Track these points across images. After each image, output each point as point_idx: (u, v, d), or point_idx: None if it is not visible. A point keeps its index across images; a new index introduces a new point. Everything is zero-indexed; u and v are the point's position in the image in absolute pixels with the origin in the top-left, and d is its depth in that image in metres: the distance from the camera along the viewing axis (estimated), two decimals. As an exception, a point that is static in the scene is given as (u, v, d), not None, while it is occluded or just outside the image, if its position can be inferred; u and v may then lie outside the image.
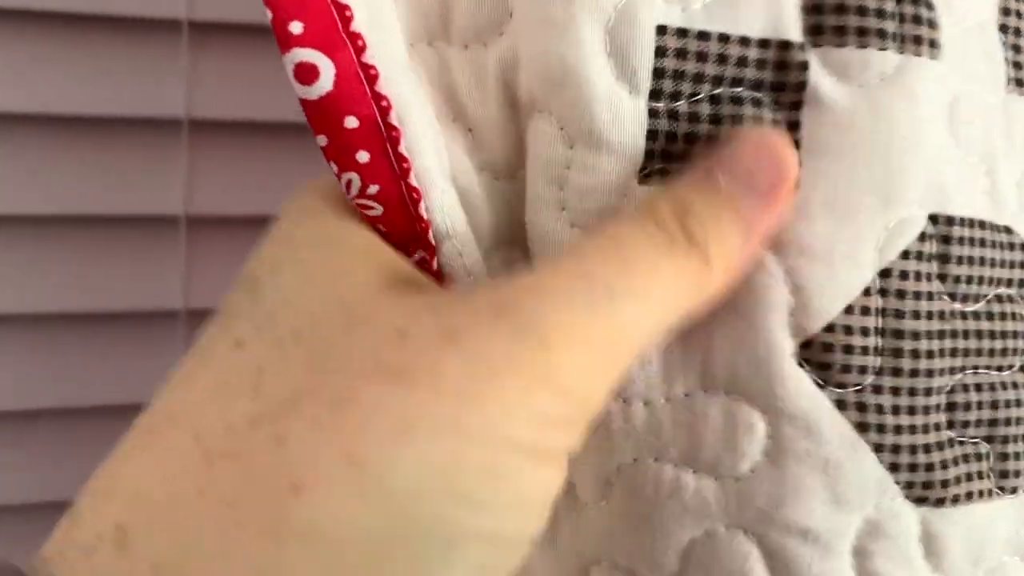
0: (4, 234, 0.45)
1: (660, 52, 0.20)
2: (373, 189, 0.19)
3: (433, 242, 0.20)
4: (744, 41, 0.21)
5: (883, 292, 0.22)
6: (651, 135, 0.20)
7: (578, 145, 0.20)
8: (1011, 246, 0.24)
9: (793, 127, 0.21)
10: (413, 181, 0.20)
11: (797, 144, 0.21)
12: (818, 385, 0.21)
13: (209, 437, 0.16)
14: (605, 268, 0.18)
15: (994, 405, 0.24)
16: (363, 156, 0.19)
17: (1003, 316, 0.24)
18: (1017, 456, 0.24)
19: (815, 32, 0.21)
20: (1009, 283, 0.24)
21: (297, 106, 0.19)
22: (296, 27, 0.18)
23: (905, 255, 0.22)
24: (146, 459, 0.16)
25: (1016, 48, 0.25)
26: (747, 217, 0.20)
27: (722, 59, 0.21)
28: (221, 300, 0.19)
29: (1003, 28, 0.25)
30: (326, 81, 0.18)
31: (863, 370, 0.22)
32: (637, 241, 0.19)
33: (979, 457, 0.24)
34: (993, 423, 0.24)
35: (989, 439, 0.24)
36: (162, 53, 0.46)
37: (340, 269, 0.18)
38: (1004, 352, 0.24)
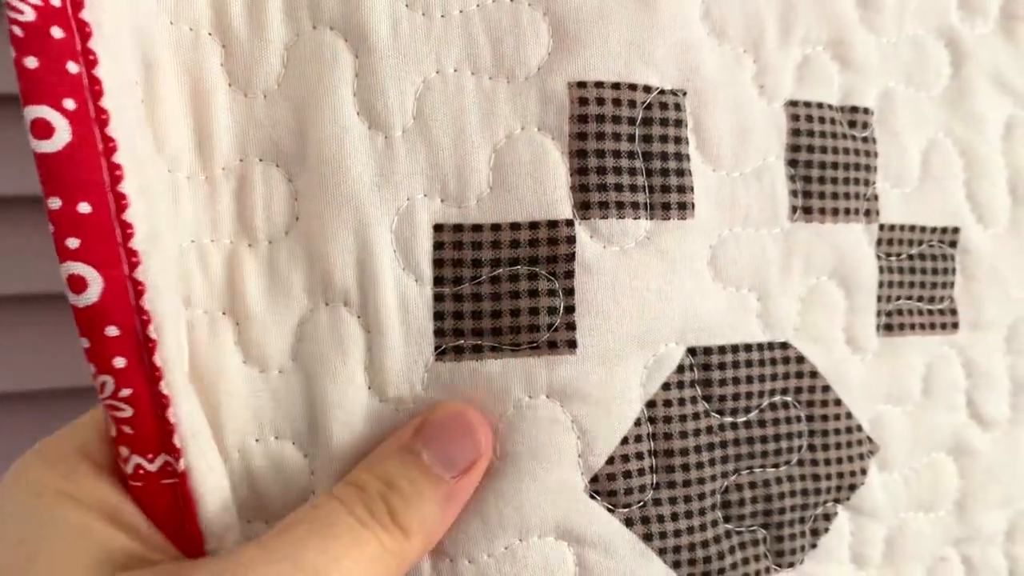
0: None
1: (438, 246, 0.26)
2: (125, 392, 0.22)
3: (179, 445, 0.23)
4: (515, 226, 0.26)
5: (651, 420, 0.28)
6: (438, 315, 0.26)
7: (373, 329, 0.26)
8: (785, 360, 0.30)
9: (569, 293, 0.27)
10: (164, 389, 0.23)
11: (572, 308, 0.27)
12: (609, 511, 0.27)
13: None
14: (312, 551, 0.21)
15: (768, 498, 0.30)
16: (120, 362, 0.22)
17: (776, 421, 0.30)
18: (792, 537, 0.30)
19: (583, 208, 0.27)
20: (784, 391, 0.30)
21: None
22: (73, 243, 0.21)
23: (666, 387, 0.28)
24: None
25: (807, 178, 0.31)
26: (447, 492, 0.24)
27: (496, 244, 0.26)
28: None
29: (792, 163, 0.31)
30: (93, 293, 0.22)
31: (643, 489, 0.28)
32: (343, 522, 0.22)
33: (755, 542, 0.30)
34: (768, 513, 0.30)
35: (765, 525, 0.30)
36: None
37: (59, 550, 0.20)
38: (779, 452, 0.30)
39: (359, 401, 0.26)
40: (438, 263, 0.26)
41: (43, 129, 0.21)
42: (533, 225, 0.26)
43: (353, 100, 0.26)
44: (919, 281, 0.33)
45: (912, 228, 0.33)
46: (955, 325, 0.34)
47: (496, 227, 0.26)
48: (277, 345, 0.26)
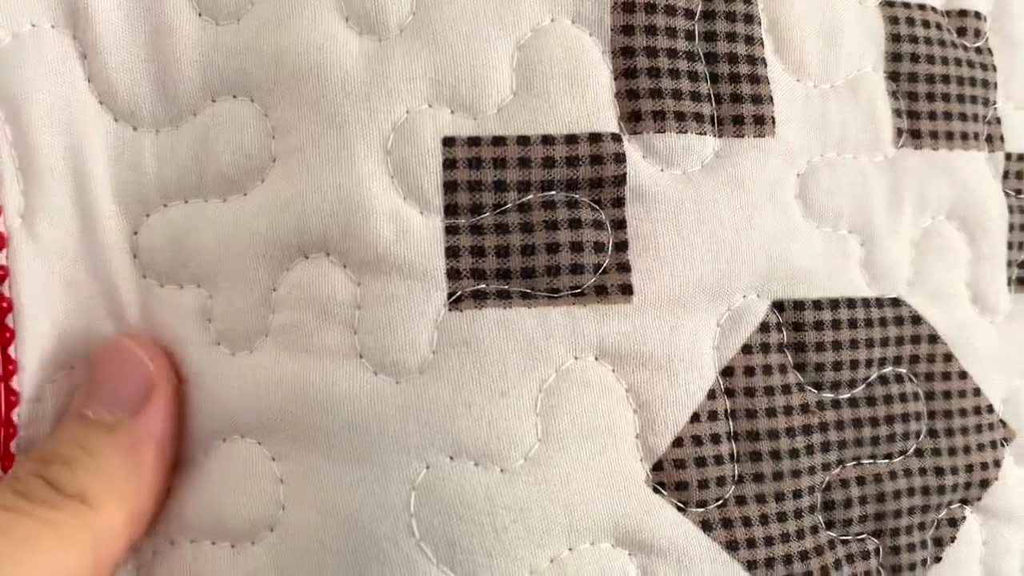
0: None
1: (449, 164, 0.21)
2: None
3: (14, 452, 0.21)
4: (548, 140, 0.21)
5: (729, 392, 0.22)
6: (451, 252, 0.21)
7: (366, 278, 0.21)
8: (898, 321, 0.24)
9: (619, 225, 0.21)
10: (15, 385, 0.21)
11: (624, 245, 0.21)
12: (680, 509, 0.21)
13: None
14: None
15: (880, 498, 0.24)
16: None
17: (888, 399, 0.24)
18: (911, 548, 0.24)
19: (634, 119, 0.21)
20: (897, 361, 0.24)
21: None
22: None
23: (747, 350, 0.22)
24: None
25: (912, 95, 0.25)
26: (127, 437, 0.20)
27: (524, 162, 0.21)
28: None
29: (893, 76, 0.25)
30: None
31: (721, 482, 0.22)
32: None
33: (866, 554, 0.24)
34: (880, 516, 0.24)
35: (877, 534, 0.24)
36: None
37: None
38: (892, 438, 0.24)
39: (346, 376, 0.20)
40: (450, 187, 0.21)
41: None
42: (571, 139, 0.21)
43: (339, 4, 0.21)
44: None
45: None
46: None
47: (524, 140, 0.21)
48: (246, 319, 0.21)
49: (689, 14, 0.22)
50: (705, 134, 0.22)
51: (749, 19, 0.23)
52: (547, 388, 0.21)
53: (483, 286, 0.21)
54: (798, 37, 0.23)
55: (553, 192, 0.21)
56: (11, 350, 0.21)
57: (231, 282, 0.21)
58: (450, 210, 0.21)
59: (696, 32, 0.22)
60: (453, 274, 0.21)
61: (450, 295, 0.20)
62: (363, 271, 0.21)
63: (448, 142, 0.21)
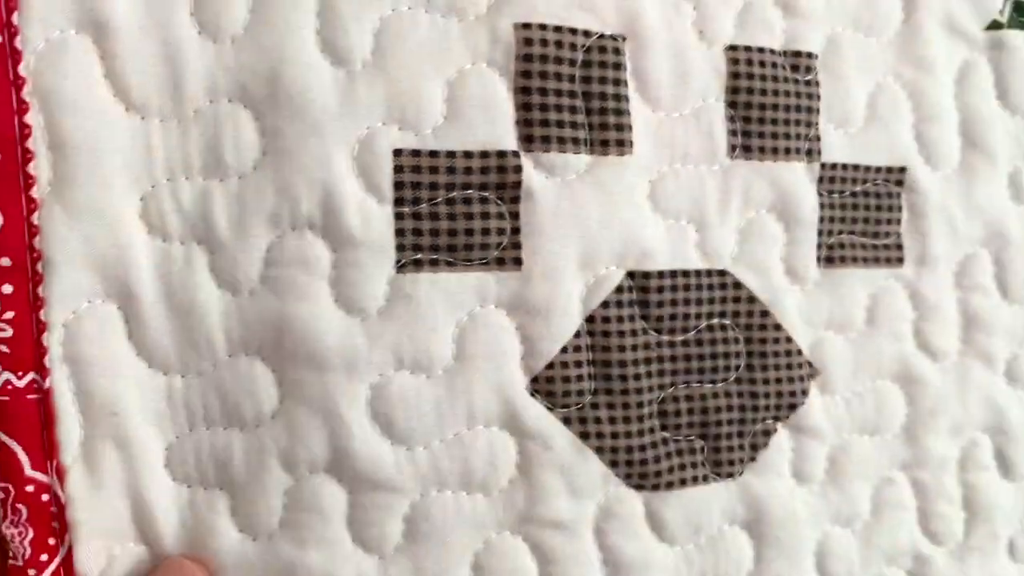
0: None
1: (398, 169, 0.29)
2: (8, 315, 0.26)
3: (48, 366, 0.27)
4: (467, 154, 0.30)
5: (590, 333, 0.32)
6: (399, 232, 0.30)
7: (339, 248, 0.29)
8: (723, 285, 0.34)
9: (515, 216, 0.31)
10: (43, 316, 0.27)
11: (517, 230, 0.31)
12: (548, 408, 0.31)
13: None
14: None
15: (704, 411, 0.33)
16: (7, 288, 0.26)
17: (713, 341, 0.34)
18: (731, 449, 0.34)
19: (527, 141, 0.30)
20: (722, 314, 0.34)
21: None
22: None
23: (605, 305, 0.32)
24: None
25: (746, 119, 0.34)
26: None
27: (451, 170, 0.30)
28: None
29: (732, 104, 0.34)
30: None
31: (580, 393, 0.31)
32: None
33: (692, 451, 0.33)
34: (705, 424, 0.33)
35: (703, 436, 0.34)
36: None
37: None
38: (715, 369, 0.34)
39: (324, 315, 0.29)
40: (398, 185, 0.30)
41: None
42: (484, 154, 0.30)
43: (316, 39, 0.28)
44: (862, 217, 0.36)
45: (856, 167, 0.36)
46: (900, 260, 0.37)
47: (451, 154, 0.30)
48: (247, 271, 0.29)
49: (572, 63, 0.31)
50: (579, 152, 0.31)
51: (617, 66, 0.32)
52: (462, 325, 0.30)
53: (420, 256, 0.30)
54: (654, 79, 0.32)
55: (471, 191, 0.30)
56: (40, 289, 0.27)
57: (231, 244, 0.28)
58: (398, 202, 0.29)
59: (576, 76, 0.31)
60: (400, 248, 0.30)
61: (397, 262, 0.30)
62: (337, 243, 0.29)
63: (397, 152, 0.29)
